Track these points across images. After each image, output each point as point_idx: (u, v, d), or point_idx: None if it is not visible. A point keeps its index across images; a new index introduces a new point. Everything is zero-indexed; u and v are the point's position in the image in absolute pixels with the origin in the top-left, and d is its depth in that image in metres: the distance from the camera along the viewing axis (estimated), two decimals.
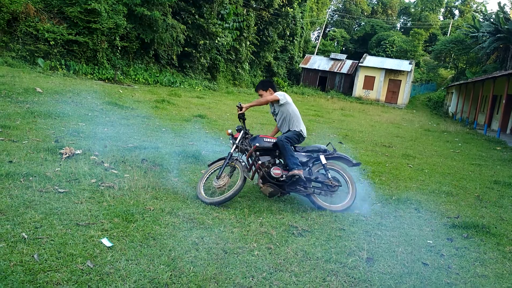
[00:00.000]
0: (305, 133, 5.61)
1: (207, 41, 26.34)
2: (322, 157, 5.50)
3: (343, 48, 61.49)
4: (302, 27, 45.08)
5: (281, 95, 5.45)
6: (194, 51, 26.05)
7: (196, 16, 25.55)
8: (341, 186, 5.51)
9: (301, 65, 44.39)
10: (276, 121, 5.81)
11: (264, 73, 39.74)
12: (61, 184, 4.82)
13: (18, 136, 6.62)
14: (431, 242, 4.69)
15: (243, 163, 5.28)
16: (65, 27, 17.77)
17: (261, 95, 5.57)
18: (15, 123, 7.44)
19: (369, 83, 41.00)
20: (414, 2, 68.15)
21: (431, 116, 30.85)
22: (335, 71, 43.32)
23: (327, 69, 43.52)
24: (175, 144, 7.88)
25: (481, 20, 40.65)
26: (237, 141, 5.34)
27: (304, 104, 25.72)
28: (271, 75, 40.61)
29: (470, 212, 6.01)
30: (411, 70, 40.40)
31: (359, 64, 41.43)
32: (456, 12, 70.12)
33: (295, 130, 5.51)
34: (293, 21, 40.82)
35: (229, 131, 5.46)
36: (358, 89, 41.28)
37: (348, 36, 61.93)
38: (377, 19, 64.06)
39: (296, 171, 5.18)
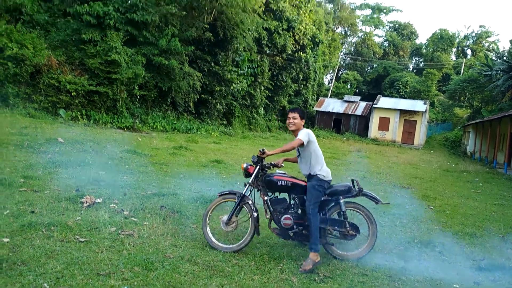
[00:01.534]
0: (328, 176, 5.07)
1: (223, 88, 26.95)
2: (342, 203, 5.07)
3: (357, 90, 62.06)
4: (315, 71, 45.88)
5: (305, 136, 4.94)
6: (210, 97, 26.63)
7: (212, 64, 26.30)
8: (359, 234, 5.15)
9: (315, 108, 44.82)
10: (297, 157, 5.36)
11: (278, 117, 40.18)
12: (82, 233, 4.87)
13: (39, 186, 6.77)
14: (457, 286, 4.54)
15: (253, 206, 5.02)
16: (86, 78, 18.43)
17: (294, 118, 5.10)
18: (37, 173, 7.62)
19: (384, 124, 41.00)
20: (426, 43, 69.09)
21: (449, 156, 30.47)
22: (350, 113, 43.56)
23: (341, 111, 43.81)
24: (193, 190, 7.93)
25: (493, 58, 40.84)
26: (250, 180, 5.03)
27: (320, 146, 25.56)
28: (286, 119, 40.95)
29: (495, 254, 5.83)
30: (426, 110, 40.38)
31: (373, 106, 41.63)
32: (468, 51, 70.67)
33: (317, 177, 4.96)
34: (306, 66, 41.63)
35: (245, 165, 5.12)
36: (374, 130, 41.26)
37: (361, 78, 62.67)
38: (389, 61, 64.89)
39: (312, 256, 4.68)
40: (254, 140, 25.52)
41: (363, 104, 44.77)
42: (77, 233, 4.84)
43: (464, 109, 53.49)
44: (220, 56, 26.88)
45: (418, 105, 41.05)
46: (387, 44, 71.17)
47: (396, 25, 73.23)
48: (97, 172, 8.41)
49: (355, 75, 61.89)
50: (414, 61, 71.81)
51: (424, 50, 68.44)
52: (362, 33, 72.22)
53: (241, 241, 4.97)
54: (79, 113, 17.64)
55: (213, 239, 4.96)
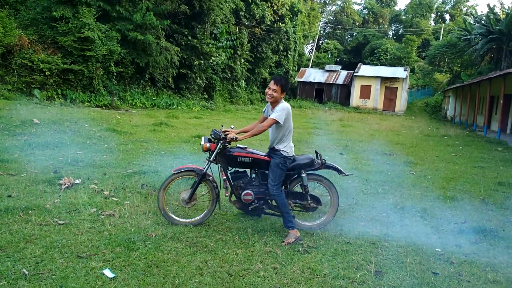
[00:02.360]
0: (292, 152, 4.86)
1: (202, 61, 26.51)
2: (304, 177, 4.96)
3: (337, 59, 61.88)
4: (295, 41, 45.43)
5: (281, 115, 4.63)
6: (189, 72, 26.19)
7: (189, 37, 25.76)
8: (320, 206, 5.13)
9: (296, 79, 44.61)
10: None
11: (260, 89, 39.91)
12: (61, 216, 4.76)
13: (16, 169, 6.58)
14: (439, 250, 4.61)
15: (214, 183, 4.87)
16: (59, 57, 17.86)
17: (274, 91, 4.66)
18: (13, 156, 7.41)
19: (365, 92, 41.12)
20: (404, 9, 68.85)
21: (430, 121, 30.85)
22: (331, 82, 43.50)
23: (323, 81, 43.71)
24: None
25: (472, 22, 40.96)
26: (212, 157, 4.77)
27: (302, 117, 25.74)
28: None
29: (476, 216, 5.93)
30: (407, 76, 40.56)
31: (354, 74, 41.62)
32: (447, 16, 70.78)
33: (281, 154, 4.74)
34: (285, 36, 41.17)
35: (207, 144, 4.76)
36: (355, 99, 41.38)
37: (341, 47, 62.40)
38: (369, 29, 64.60)
39: (291, 233, 4.61)
40: (236, 113, 25.35)
41: (344, 73, 44.71)
42: (55, 216, 4.73)
43: (444, 74, 53.97)
44: (197, 29, 26.32)
45: (399, 72, 41.19)
46: (367, 12, 70.73)
47: None
48: (76, 153, 8.22)
49: (335, 44, 61.57)
50: (393, 28, 71.71)
51: (403, 17, 68.29)
52: (341, 1, 71.45)
53: (202, 215, 4.93)
54: (54, 93, 17.16)
55: (173, 216, 4.85)
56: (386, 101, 40.78)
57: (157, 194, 5.04)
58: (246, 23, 34.85)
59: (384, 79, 40.66)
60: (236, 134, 4.68)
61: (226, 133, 4.72)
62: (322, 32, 68.64)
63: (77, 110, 15.30)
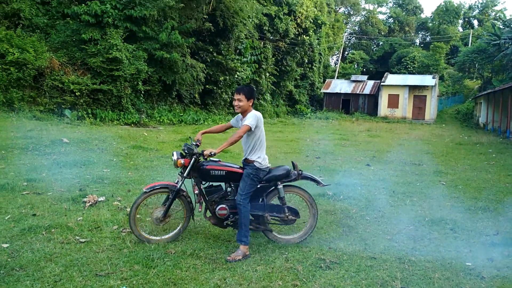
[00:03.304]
0: (266, 164, 4.73)
1: (227, 77, 26.75)
2: (281, 188, 4.82)
3: (364, 70, 61.26)
4: (320, 53, 45.32)
5: (252, 121, 4.51)
6: (215, 87, 26.47)
7: (214, 54, 26.09)
8: (299, 218, 4.99)
9: (322, 90, 44.37)
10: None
11: (286, 101, 39.89)
12: (82, 233, 4.80)
13: (43, 188, 6.73)
14: (470, 264, 4.38)
15: (189, 198, 4.76)
16: (89, 77, 18.40)
17: (239, 101, 4.59)
18: (40, 175, 7.59)
19: (393, 101, 40.43)
20: (431, 16, 67.74)
21: (461, 129, 29.98)
22: (358, 92, 43.04)
23: (349, 92, 43.30)
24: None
25: (501, 27, 39.83)
26: (185, 173, 4.60)
27: (329, 129, 25.49)
28: (293, 103, 40.69)
29: (510, 227, 5.64)
30: (435, 84, 39.68)
31: (381, 84, 41.05)
32: (475, 22, 69.14)
33: (254, 165, 4.61)
34: (310, 48, 41.13)
35: (182, 161, 4.57)
36: (383, 108, 40.73)
37: (367, 57, 61.80)
38: (395, 37, 63.83)
39: (241, 250, 4.40)
40: None
41: (371, 82, 44.18)
42: (77, 233, 4.78)
43: (474, 80, 52.51)
44: (222, 46, 26.64)
45: (427, 80, 40.35)
46: (392, 21, 69.96)
47: (400, 1, 71.81)
48: (102, 170, 8.36)
49: (361, 54, 61.05)
50: (420, 35, 70.58)
51: (430, 24, 67.17)
52: (365, 12, 71.05)
53: (175, 231, 4.76)
54: (85, 112, 17.63)
55: (145, 235, 4.65)
56: (415, 110, 39.94)
57: (128, 213, 4.69)
58: (270, 37, 35.05)
59: (412, 88, 39.91)
60: (212, 150, 4.40)
61: (203, 151, 4.50)
62: (347, 42, 68.28)
63: (105, 129, 15.65)
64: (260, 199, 4.82)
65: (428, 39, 65.66)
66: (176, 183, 4.67)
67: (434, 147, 16.42)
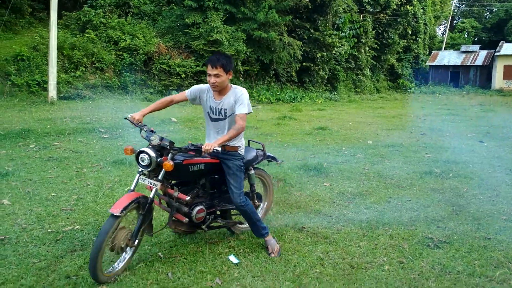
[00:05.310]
0: (243, 150, 3.89)
1: (325, 53, 26.26)
2: (252, 174, 4.13)
3: (475, 39, 55.81)
4: (425, 24, 42.24)
5: (249, 105, 3.67)
6: (312, 65, 26.17)
7: (311, 31, 25.73)
8: (261, 202, 4.45)
9: (428, 63, 41.53)
10: (208, 121, 3.83)
11: (387, 76, 38.08)
12: None
13: None
14: None
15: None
16: (192, 60, 19.41)
17: (216, 76, 3.50)
18: None
19: (510, 72, 36.43)
20: None
21: None
22: (468, 64, 39.54)
23: (459, 63, 39.96)
24: (297, 158, 7.90)
25: None
26: (160, 176, 3.39)
27: (435, 103, 23.89)
28: (395, 78, 38.67)
29: None
30: None
31: (496, 54, 37.18)
32: None
33: (239, 154, 3.80)
34: (414, 19, 38.50)
35: (171, 163, 3.28)
36: (498, 80, 36.95)
37: (479, 25, 56.10)
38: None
39: (269, 240, 3.86)
40: (361, 103, 24.59)
41: (483, 53, 40.26)
42: None
43: None
44: (319, 22, 26.14)
45: None
46: None
47: None
48: None
49: (472, 23, 55.60)
50: None
51: None
52: None
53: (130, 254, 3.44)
54: None
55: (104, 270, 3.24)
56: None
57: (93, 244, 3.12)
58: (370, 10, 33.51)
59: None
60: (214, 145, 3.32)
61: (194, 145, 3.39)
62: (456, 10, 62.60)
63: None
64: (216, 190, 3.99)
65: None
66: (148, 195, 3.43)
67: None
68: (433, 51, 44.35)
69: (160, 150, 3.37)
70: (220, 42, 19.32)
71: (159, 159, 3.30)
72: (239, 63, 20.70)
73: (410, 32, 39.28)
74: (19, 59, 15.10)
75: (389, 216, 4.83)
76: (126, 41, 17.77)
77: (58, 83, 14.56)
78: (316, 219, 4.70)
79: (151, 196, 3.37)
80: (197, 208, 3.67)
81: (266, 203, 4.55)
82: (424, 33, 42.66)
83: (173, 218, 3.66)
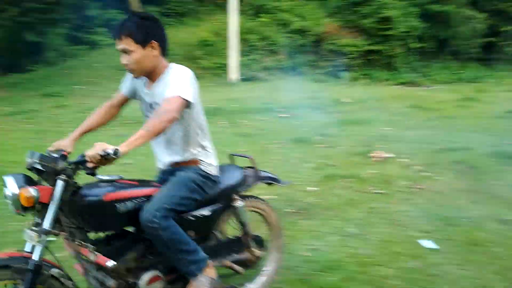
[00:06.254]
0: (215, 168, 2.50)
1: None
2: (241, 208, 2.60)
3: None
4: None
5: (189, 88, 2.20)
6: (498, 40, 23.04)
7: (496, 1, 22.61)
8: (264, 250, 2.80)
9: None
10: (145, 116, 2.42)
11: None
12: (375, 185, 5.11)
13: (333, 142, 7.43)
14: None
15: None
16: (362, 39, 19.01)
17: (124, 51, 2.16)
18: (329, 131, 8.36)
19: None
20: None
21: None
22: None
23: None
24: (488, 144, 7.13)
25: None
26: (47, 224, 1.89)
27: None
28: None
29: None
30: None
31: None
32: None
33: (199, 167, 2.39)
34: None
35: (32, 192, 1.86)
36: None
37: None
38: None
39: (202, 279, 2.25)
40: None
41: None
42: (371, 185, 5.12)
43: None
44: None
45: None
46: None
47: None
48: (382, 129, 8.61)
49: None
50: None
51: None
52: None
53: None
54: (358, 73, 18.42)
55: None
56: None
57: None
58: None
59: None
60: (109, 147, 1.81)
61: (81, 156, 1.88)
62: None
63: (379, 89, 15.93)
64: (202, 238, 2.51)
65: None
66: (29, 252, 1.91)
67: None
68: None
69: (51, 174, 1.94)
70: (391, 19, 18.47)
71: (15, 191, 1.86)
72: (412, 41, 19.48)
73: None
74: (204, 44, 16.97)
75: None
76: (297, 23, 18.33)
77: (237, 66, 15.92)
78: None
79: (34, 256, 1.87)
80: (151, 274, 2.20)
81: (273, 251, 2.92)
82: None
83: None
